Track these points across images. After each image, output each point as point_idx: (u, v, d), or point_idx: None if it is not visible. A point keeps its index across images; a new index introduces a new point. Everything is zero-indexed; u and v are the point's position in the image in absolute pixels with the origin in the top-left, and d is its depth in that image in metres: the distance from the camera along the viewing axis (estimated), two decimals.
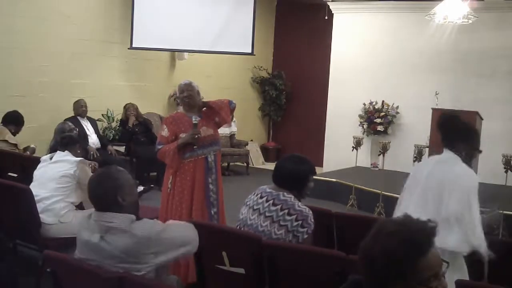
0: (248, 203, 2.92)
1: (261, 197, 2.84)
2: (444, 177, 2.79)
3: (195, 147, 3.85)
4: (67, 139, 4.09)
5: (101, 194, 2.25)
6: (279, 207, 2.76)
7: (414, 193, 2.92)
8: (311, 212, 2.78)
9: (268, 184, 2.94)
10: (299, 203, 2.79)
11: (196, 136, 3.81)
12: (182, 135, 3.84)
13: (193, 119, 3.83)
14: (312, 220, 2.76)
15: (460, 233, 2.70)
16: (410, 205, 2.90)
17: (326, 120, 9.13)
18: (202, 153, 3.89)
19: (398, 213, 3.00)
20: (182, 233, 2.40)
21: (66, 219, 3.74)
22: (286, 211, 2.74)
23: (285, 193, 2.81)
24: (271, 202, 2.79)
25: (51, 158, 3.96)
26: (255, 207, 2.84)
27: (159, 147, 3.91)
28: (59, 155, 3.94)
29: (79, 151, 4.06)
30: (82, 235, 2.27)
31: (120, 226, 2.18)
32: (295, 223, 2.72)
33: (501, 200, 6.24)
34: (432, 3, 6.99)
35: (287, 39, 10.41)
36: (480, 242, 2.71)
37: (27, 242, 3.98)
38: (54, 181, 3.79)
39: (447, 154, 2.87)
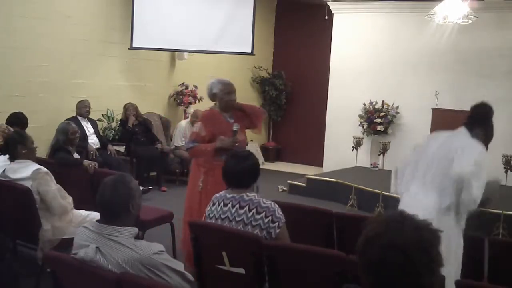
0: (211, 215, 2.89)
1: (225, 205, 2.84)
2: (454, 145, 3.02)
3: None
4: (7, 144, 3.79)
5: (115, 201, 2.21)
6: (246, 208, 2.78)
7: (422, 164, 3.12)
8: (277, 205, 2.82)
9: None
10: (264, 199, 2.82)
11: (236, 144, 3.84)
12: (221, 138, 3.83)
13: (234, 127, 3.84)
14: (280, 213, 2.79)
15: (455, 193, 2.94)
16: (416, 178, 3.12)
17: (326, 120, 9.13)
18: None
19: (401, 188, 3.23)
20: (181, 268, 2.31)
21: (62, 223, 3.72)
22: (254, 210, 2.76)
23: (247, 193, 2.83)
24: (237, 206, 2.80)
25: (4, 172, 3.73)
26: (222, 217, 2.83)
27: (193, 145, 3.88)
28: (11, 169, 3.70)
29: (24, 151, 3.73)
30: (79, 252, 2.24)
31: (122, 242, 2.17)
32: (266, 220, 2.75)
33: (501, 200, 6.24)
34: (432, 3, 6.99)
35: (287, 39, 10.41)
36: (475, 200, 2.93)
37: (27, 242, 3.98)
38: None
39: (462, 131, 3.10)
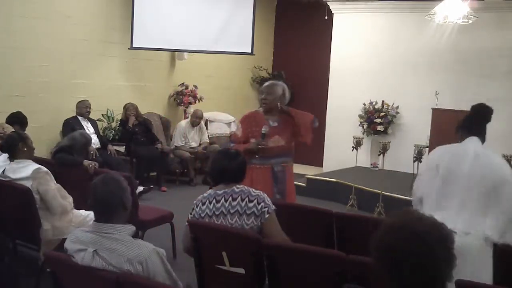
0: (203, 215, 2.90)
1: (218, 201, 2.87)
2: (492, 172, 2.90)
3: (256, 156, 3.86)
4: (5, 145, 3.77)
5: (108, 197, 2.24)
6: (239, 199, 2.84)
7: (455, 188, 2.93)
8: (265, 194, 2.91)
9: None
10: (253, 189, 2.90)
11: (260, 147, 3.83)
12: (253, 140, 3.86)
13: (263, 129, 3.84)
14: (269, 201, 2.87)
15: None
16: (449, 203, 2.91)
17: (326, 120, 9.12)
18: (268, 163, 3.94)
19: (428, 203, 3.00)
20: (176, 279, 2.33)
21: (62, 223, 3.71)
22: (246, 199, 2.83)
23: (237, 185, 2.91)
24: (230, 199, 2.85)
25: (3, 172, 3.73)
26: (217, 213, 2.85)
27: (231, 145, 3.97)
28: (11, 169, 3.70)
29: (25, 149, 3.75)
30: (75, 257, 2.25)
31: (120, 239, 2.18)
32: (259, 207, 2.81)
33: None
34: (432, 3, 6.99)
35: (287, 39, 10.40)
36: None
37: (27, 242, 3.98)
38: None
39: (478, 144, 3.01)
